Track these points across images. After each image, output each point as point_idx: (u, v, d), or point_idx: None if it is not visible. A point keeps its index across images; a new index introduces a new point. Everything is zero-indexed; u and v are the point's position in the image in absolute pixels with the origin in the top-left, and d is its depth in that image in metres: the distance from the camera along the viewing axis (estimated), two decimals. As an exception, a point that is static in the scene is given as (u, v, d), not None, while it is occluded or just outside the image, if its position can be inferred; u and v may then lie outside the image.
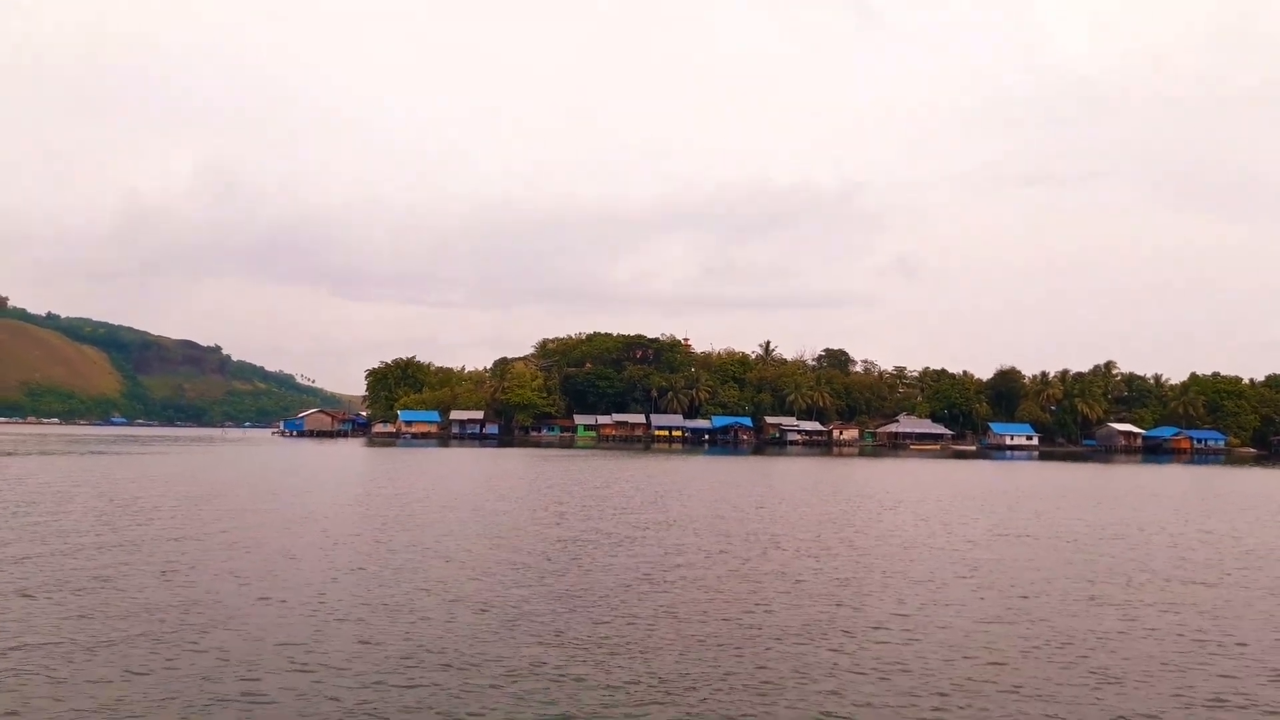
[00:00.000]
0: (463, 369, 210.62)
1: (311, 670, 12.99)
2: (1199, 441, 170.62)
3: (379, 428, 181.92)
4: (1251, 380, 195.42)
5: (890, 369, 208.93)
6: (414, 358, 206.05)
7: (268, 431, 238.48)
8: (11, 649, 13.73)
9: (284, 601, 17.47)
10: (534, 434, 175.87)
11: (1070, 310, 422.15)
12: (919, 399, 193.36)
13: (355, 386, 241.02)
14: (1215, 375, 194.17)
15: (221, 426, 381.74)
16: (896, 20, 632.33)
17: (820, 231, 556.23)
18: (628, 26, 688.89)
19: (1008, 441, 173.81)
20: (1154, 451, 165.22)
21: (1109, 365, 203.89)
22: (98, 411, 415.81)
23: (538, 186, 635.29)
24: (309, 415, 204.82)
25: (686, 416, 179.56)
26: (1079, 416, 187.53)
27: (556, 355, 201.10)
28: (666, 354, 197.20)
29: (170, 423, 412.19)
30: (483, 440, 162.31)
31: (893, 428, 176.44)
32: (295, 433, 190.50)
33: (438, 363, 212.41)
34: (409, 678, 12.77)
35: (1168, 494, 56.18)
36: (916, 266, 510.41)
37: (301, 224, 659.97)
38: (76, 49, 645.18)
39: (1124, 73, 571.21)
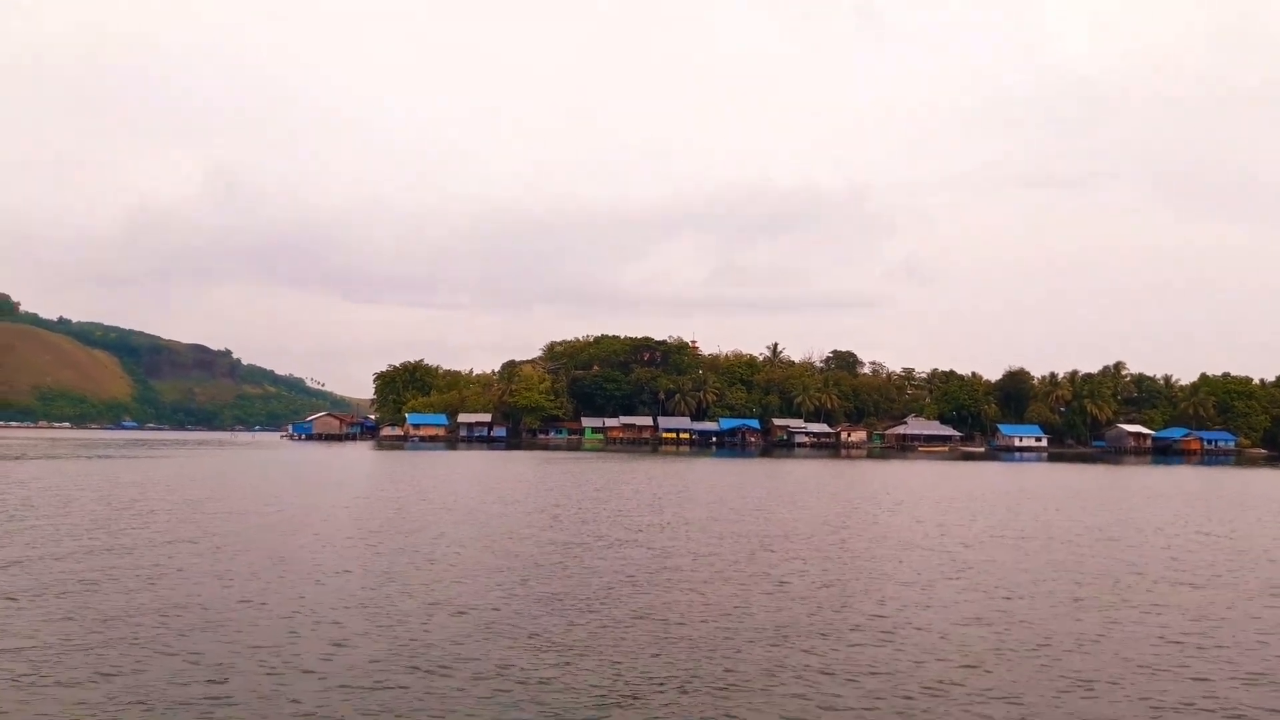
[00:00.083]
0: (470, 372, 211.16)
1: (279, 673, 13.04)
2: (1209, 442, 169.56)
3: (387, 431, 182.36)
4: (1262, 380, 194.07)
5: (898, 371, 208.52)
6: (422, 361, 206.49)
7: (277, 435, 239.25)
8: (-14, 652, 13.83)
9: (264, 604, 17.54)
10: (541, 437, 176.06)
11: (1079, 311, 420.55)
12: (927, 400, 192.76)
13: (364, 389, 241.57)
14: (1225, 376, 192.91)
15: (232, 430, 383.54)
16: (897, 20, 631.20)
17: (824, 233, 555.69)
18: (628, 27, 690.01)
19: (1017, 443, 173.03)
20: (1164, 453, 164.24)
21: (1118, 366, 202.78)
22: (109, 416, 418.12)
23: (539, 187, 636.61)
24: (317, 419, 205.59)
25: (694, 419, 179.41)
26: (1088, 418, 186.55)
27: (564, 358, 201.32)
28: (674, 356, 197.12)
29: (181, 426, 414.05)
30: (490, 443, 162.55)
31: (901, 429, 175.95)
32: (304, 436, 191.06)
33: (447, 365, 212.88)
34: (376, 680, 12.81)
35: (1172, 495, 55.85)
36: (922, 268, 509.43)
37: (308, 227, 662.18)
38: (80, 51, 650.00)
39: (1125, 73, 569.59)
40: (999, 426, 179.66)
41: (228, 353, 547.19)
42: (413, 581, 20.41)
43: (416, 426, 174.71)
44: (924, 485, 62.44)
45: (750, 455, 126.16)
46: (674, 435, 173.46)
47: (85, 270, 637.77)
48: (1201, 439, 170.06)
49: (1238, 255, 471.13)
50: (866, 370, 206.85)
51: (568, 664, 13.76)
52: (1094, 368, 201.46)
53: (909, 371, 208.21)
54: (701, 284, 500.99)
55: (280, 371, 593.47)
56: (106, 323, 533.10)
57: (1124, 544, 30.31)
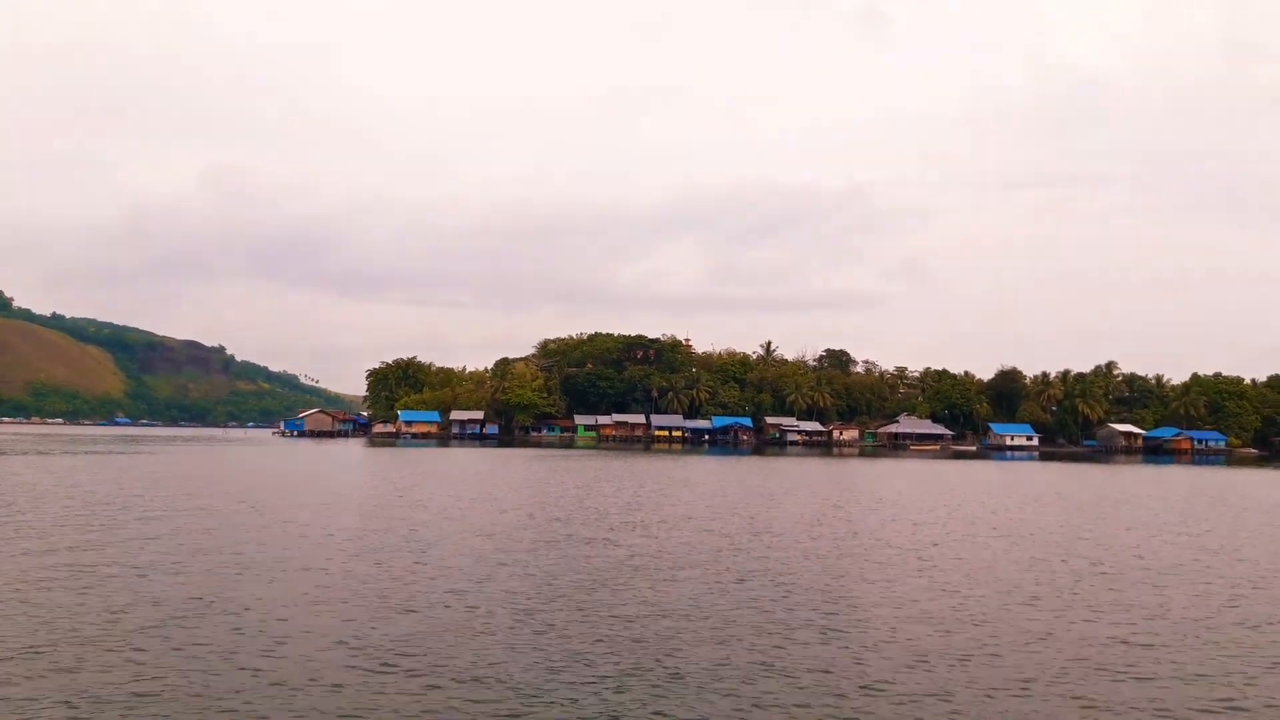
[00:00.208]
0: (463, 369, 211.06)
1: (217, 673, 12.96)
2: (1200, 442, 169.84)
3: (379, 428, 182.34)
4: (1253, 381, 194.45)
5: (891, 370, 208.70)
6: (414, 358, 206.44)
7: (269, 432, 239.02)
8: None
9: (212, 602, 17.48)
10: (534, 434, 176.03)
11: (1072, 311, 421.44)
12: (920, 399, 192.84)
13: (359, 387, 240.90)
14: (1217, 376, 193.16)
15: (224, 426, 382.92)
16: (901, 23, 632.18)
17: (823, 233, 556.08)
18: (628, 27, 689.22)
19: (1008, 442, 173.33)
20: (1154, 452, 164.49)
21: (1110, 366, 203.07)
22: (102, 412, 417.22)
23: (540, 187, 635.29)
24: (309, 415, 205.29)
25: (687, 417, 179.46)
26: (1080, 417, 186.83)
27: (557, 355, 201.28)
28: (667, 354, 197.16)
29: (174, 423, 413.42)
30: (483, 440, 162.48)
31: (893, 428, 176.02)
32: (296, 433, 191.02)
33: (447, 364, 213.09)
34: (310, 678, 12.76)
35: (1154, 495, 55.91)
36: (918, 268, 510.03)
37: (305, 224, 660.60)
38: (79, 50, 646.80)
39: (1126, 75, 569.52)
40: (991, 425, 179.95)
41: (222, 349, 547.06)
42: (369, 580, 20.36)
43: (409, 423, 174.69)
44: (909, 484, 62.46)
45: (742, 453, 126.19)
46: (666, 433, 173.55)
47: (79, 267, 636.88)
48: (1192, 439, 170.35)
49: (1229, 256, 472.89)
50: (859, 369, 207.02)
51: (504, 663, 13.73)
52: (1086, 367, 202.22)
53: (902, 370, 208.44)
54: (699, 283, 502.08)
55: (275, 368, 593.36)
56: (100, 319, 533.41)
57: (1093, 543, 30.34)
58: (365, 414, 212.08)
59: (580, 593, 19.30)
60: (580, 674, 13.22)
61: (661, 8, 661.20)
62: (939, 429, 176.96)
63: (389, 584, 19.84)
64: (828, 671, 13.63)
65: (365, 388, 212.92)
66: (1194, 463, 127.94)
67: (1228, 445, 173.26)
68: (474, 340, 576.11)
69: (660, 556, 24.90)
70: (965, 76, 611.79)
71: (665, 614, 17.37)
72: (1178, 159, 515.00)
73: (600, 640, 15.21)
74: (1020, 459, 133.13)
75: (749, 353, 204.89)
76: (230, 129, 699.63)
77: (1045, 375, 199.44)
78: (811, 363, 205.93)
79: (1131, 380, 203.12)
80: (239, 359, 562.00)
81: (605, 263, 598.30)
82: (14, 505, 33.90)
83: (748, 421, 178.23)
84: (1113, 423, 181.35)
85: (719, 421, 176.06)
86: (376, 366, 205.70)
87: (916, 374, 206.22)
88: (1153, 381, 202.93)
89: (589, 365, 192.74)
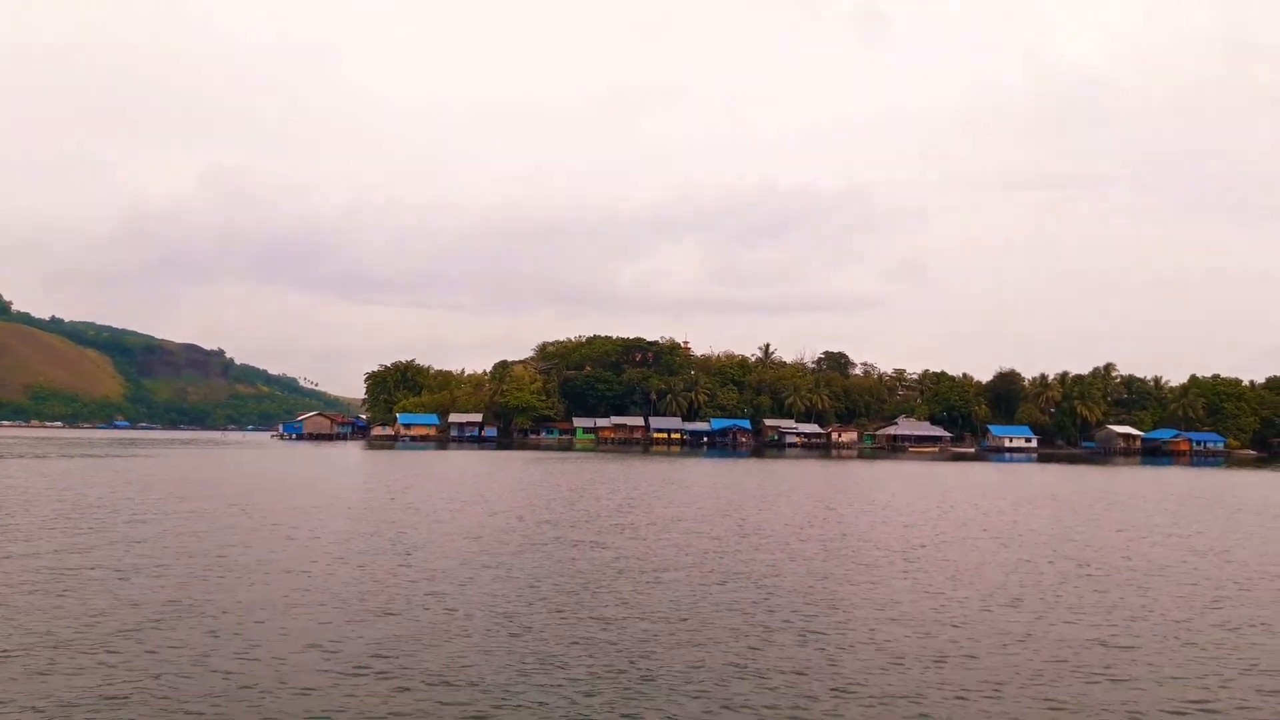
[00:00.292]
0: (462, 372, 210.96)
1: (188, 676, 12.94)
2: (1198, 444, 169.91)
3: (378, 431, 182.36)
4: (1252, 382, 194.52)
5: (889, 372, 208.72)
6: (413, 361, 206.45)
7: (267, 435, 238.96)
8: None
9: (191, 606, 17.45)
10: (533, 437, 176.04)
11: (1070, 312, 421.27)
12: (918, 401, 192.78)
13: (358, 390, 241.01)
14: (1215, 377, 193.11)
15: (223, 429, 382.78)
16: (901, 23, 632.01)
17: (822, 235, 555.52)
18: (630, 27, 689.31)
19: (1007, 444, 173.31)
20: (1153, 454, 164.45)
21: (1108, 367, 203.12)
22: (101, 415, 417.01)
23: (540, 187, 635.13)
24: (308, 418, 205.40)
25: (685, 419, 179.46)
26: (1078, 419, 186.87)
27: (556, 358, 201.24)
28: (666, 357, 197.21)
29: (173, 426, 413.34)
30: (481, 443, 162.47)
31: (891, 430, 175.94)
32: (294, 436, 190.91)
33: (446, 366, 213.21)
34: (280, 681, 12.74)
35: (1149, 497, 55.85)
36: (918, 269, 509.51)
37: (305, 227, 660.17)
38: (78, 50, 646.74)
39: (1126, 75, 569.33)
40: (989, 427, 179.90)
41: (221, 352, 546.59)
42: (350, 583, 20.34)
43: (407, 426, 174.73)
44: (905, 486, 62.41)
45: (741, 456, 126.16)
46: (665, 436, 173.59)
47: (78, 268, 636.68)
48: (1190, 440, 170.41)
49: (1229, 256, 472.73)
50: (858, 371, 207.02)
51: (477, 665, 13.70)
52: (1084, 369, 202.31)
53: (900, 372, 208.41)
54: (698, 283, 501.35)
55: (274, 371, 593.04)
56: (99, 322, 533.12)
57: (1082, 544, 30.30)
58: (364, 417, 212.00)
59: (561, 595, 19.29)
60: (552, 676, 13.20)
61: (661, 8, 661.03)
62: (938, 431, 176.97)
63: (370, 587, 19.81)
64: (801, 673, 13.60)
65: (364, 391, 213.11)
66: (1192, 464, 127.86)
67: (1226, 447, 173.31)
68: (473, 342, 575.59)
69: (646, 559, 24.87)
70: (965, 76, 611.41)
71: (644, 616, 17.34)
72: (1177, 159, 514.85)
73: (576, 643, 15.18)
74: (1018, 461, 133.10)
75: (747, 355, 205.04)
76: (230, 129, 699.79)
77: (1044, 377, 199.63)
78: (810, 365, 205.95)
79: (1130, 382, 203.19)
80: (238, 362, 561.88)
81: (605, 263, 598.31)
82: (3, 508, 33.85)
83: (746, 424, 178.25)
84: (1111, 424, 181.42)
85: (718, 424, 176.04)
86: (375, 369, 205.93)
87: (915, 376, 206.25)
88: (1151, 383, 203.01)
89: (588, 368, 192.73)
